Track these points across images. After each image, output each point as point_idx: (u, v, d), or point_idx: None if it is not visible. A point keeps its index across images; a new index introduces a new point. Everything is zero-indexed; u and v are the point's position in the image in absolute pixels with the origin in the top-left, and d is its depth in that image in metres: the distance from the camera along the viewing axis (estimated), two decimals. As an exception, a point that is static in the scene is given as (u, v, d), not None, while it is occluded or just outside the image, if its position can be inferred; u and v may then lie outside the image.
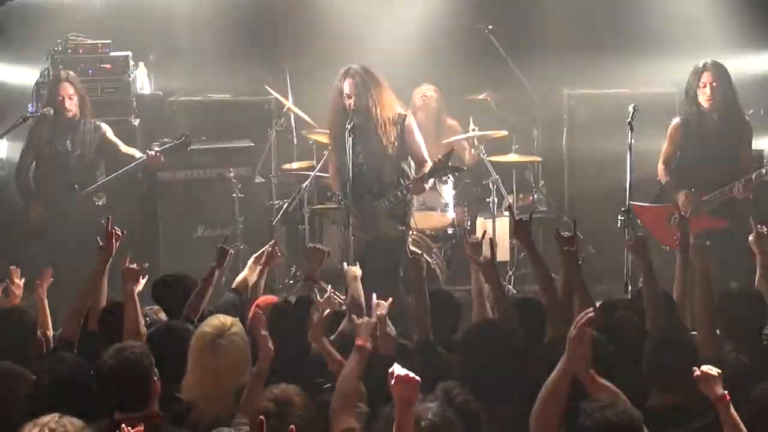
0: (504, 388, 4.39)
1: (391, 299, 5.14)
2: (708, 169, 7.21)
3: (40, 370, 4.52)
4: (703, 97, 7.12)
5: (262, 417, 3.07)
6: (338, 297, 5.88)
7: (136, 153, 7.50)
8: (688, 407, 4.02)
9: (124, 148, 7.54)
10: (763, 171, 7.10)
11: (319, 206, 8.09)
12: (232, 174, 7.99)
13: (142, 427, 3.51)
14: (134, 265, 5.07)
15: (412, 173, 6.96)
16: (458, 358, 4.70)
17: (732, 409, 3.71)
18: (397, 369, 3.60)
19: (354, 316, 4.86)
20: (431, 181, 7.13)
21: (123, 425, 3.50)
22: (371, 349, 4.41)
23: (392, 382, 3.63)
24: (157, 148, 7.39)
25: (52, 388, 4.32)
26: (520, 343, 4.84)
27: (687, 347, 4.69)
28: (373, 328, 4.57)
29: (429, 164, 6.88)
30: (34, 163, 7.49)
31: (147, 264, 5.22)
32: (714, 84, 7.04)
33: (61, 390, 4.23)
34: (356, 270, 5.79)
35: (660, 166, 7.35)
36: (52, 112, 7.28)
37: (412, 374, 3.60)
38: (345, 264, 6.33)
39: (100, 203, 7.32)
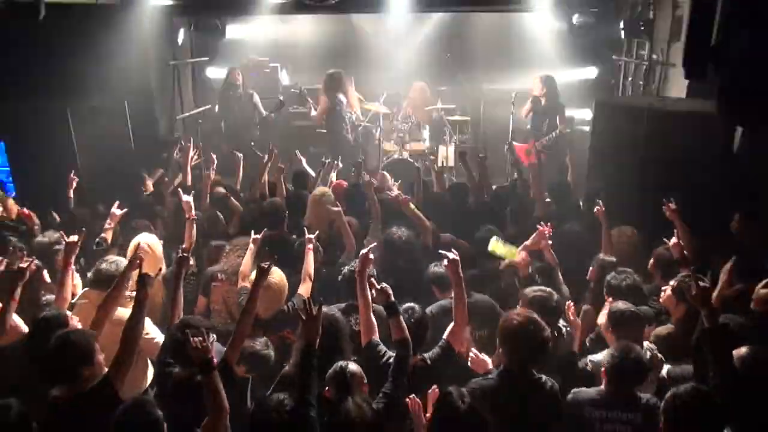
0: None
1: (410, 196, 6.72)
2: (541, 127, 10.56)
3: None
4: (540, 92, 10.42)
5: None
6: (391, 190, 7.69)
7: (263, 113, 10.84)
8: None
9: (260, 108, 11.01)
10: (554, 134, 10.03)
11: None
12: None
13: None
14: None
15: None
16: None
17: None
18: (450, 255, 4.39)
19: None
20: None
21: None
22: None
23: (445, 263, 4.49)
24: (265, 112, 10.69)
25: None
26: (448, 208, 7.05)
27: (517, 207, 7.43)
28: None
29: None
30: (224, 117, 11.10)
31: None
32: (545, 86, 10.29)
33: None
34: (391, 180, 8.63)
35: (522, 114, 10.59)
36: (244, 92, 11.22)
37: (455, 256, 4.37)
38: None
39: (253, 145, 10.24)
